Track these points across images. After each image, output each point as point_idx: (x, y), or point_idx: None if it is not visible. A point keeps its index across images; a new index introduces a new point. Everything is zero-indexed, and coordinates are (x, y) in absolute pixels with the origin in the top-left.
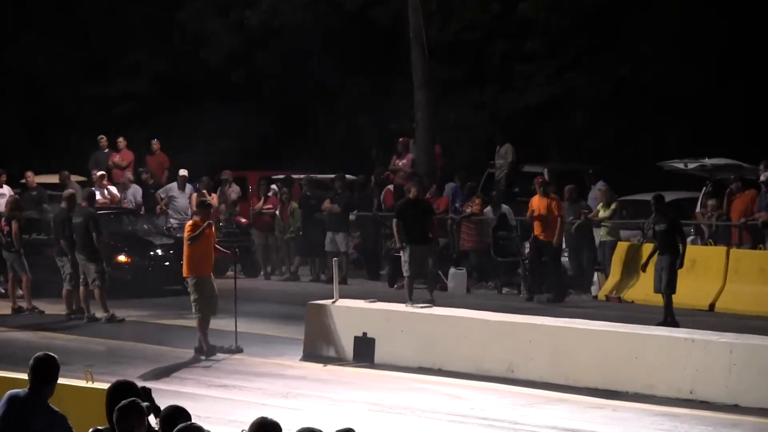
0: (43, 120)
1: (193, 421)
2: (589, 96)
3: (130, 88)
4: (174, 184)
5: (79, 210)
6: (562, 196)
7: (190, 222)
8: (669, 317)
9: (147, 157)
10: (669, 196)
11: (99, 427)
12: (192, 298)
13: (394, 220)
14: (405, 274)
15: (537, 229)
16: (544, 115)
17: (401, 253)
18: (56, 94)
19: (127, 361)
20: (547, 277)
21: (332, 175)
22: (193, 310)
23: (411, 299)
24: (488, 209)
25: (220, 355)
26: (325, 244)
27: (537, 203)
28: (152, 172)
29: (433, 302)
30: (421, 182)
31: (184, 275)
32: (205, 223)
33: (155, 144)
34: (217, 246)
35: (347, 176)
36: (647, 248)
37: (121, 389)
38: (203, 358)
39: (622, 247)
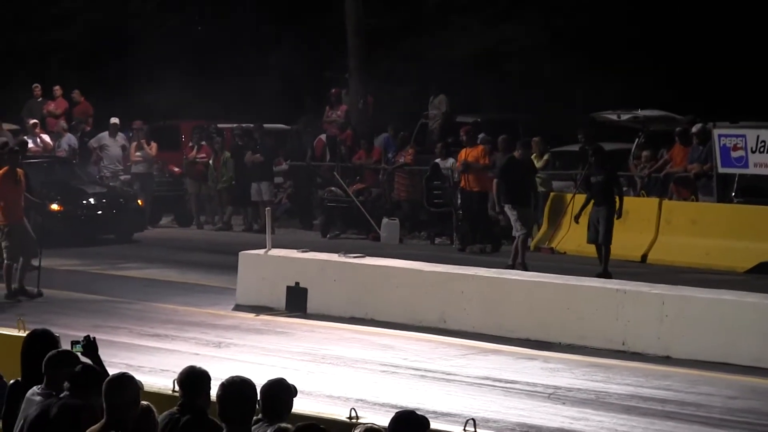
0: None
1: (124, 371)
2: (522, 47)
3: (63, 37)
4: (105, 133)
5: None
6: (497, 147)
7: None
8: (606, 268)
9: (73, 108)
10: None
11: (18, 379)
12: (3, 245)
13: (495, 180)
14: (516, 233)
15: (466, 179)
16: (478, 66)
17: (508, 213)
18: None
19: (59, 310)
20: (479, 228)
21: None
22: (4, 257)
23: (525, 262)
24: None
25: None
26: (251, 195)
27: (465, 153)
28: (83, 120)
29: (514, 267)
30: (527, 144)
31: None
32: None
33: (76, 94)
34: (26, 194)
35: (282, 126)
36: (579, 199)
37: (39, 338)
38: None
39: (554, 198)
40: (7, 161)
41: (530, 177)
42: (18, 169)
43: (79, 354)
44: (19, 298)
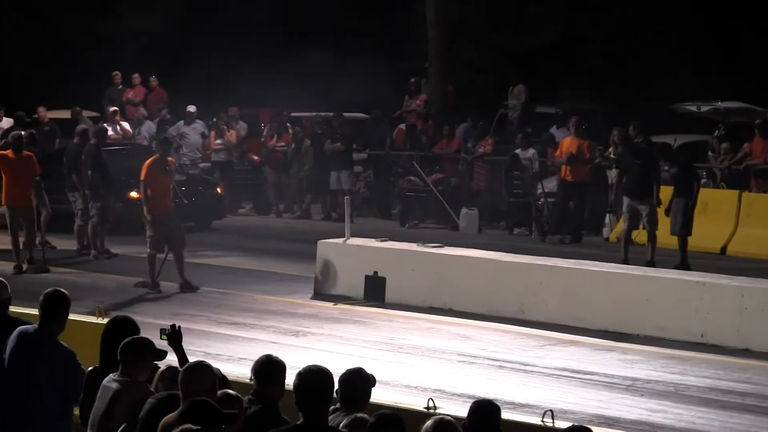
0: (57, 56)
1: (202, 359)
2: (601, 37)
3: (141, 25)
4: (182, 122)
5: (87, 146)
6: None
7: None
8: (684, 260)
9: (147, 95)
10: (682, 139)
11: (96, 366)
12: (147, 234)
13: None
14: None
15: (566, 169)
16: (556, 56)
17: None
18: (69, 30)
19: (137, 297)
20: (569, 219)
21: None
22: (148, 246)
23: (626, 257)
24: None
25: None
26: (330, 183)
27: (568, 144)
28: (164, 107)
29: (653, 264)
30: (626, 137)
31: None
32: (154, 158)
33: (153, 81)
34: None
35: (360, 115)
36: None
37: (119, 325)
38: (149, 291)
39: None
40: (157, 149)
41: (643, 169)
42: (169, 158)
43: (165, 341)
44: (185, 290)
